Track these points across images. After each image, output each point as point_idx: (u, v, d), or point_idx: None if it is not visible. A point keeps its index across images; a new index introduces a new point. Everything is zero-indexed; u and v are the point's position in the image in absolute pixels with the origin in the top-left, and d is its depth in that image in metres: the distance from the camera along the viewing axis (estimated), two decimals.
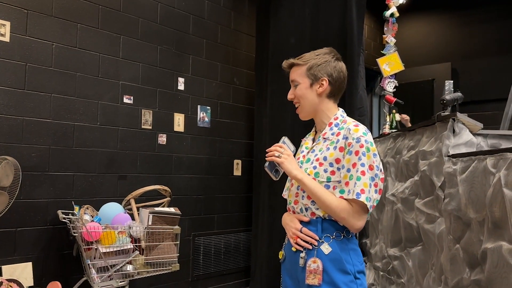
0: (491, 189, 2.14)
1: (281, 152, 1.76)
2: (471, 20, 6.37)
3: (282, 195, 2.03)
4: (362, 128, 1.73)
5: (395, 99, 4.43)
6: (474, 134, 2.79)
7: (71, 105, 3.47)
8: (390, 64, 4.46)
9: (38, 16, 3.31)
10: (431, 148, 2.96)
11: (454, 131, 2.74)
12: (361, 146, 1.67)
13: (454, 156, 2.64)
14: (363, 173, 1.65)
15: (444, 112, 2.94)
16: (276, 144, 1.81)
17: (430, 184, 2.94)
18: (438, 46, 6.64)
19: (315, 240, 1.72)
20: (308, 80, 1.80)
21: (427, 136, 3.11)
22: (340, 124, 1.80)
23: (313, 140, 1.89)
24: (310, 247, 1.72)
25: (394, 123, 4.41)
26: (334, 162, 1.72)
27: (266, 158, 1.77)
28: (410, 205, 3.30)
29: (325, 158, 1.74)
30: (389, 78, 4.47)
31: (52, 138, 3.36)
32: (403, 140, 3.64)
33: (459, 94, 3.14)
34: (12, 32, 3.18)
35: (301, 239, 1.75)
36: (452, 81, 3.54)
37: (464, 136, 2.74)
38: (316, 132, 1.92)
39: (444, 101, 3.08)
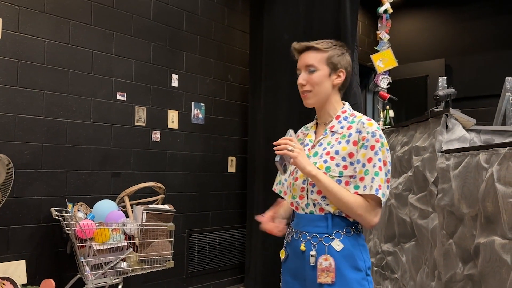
0: (484, 184, 2.15)
1: (293, 146, 1.63)
2: (464, 16, 6.39)
3: (273, 189, 1.95)
4: (375, 122, 1.68)
5: (389, 96, 4.44)
6: (467, 130, 2.80)
7: (64, 102, 3.45)
8: (384, 60, 4.46)
9: (30, 12, 3.28)
10: (425, 143, 2.97)
11: (447, 126, 2.75)
12: (377, 141, 1.62)
13: (447, 151, 2.65)
14: (380, 168, 1.60)
15: (437, 108, 2.95)
16: (285, 137, 1.67)
17: (423, 180, 2.95)
18: (431, 43, 6.66)
19: (323, 235, 1.65)
20: (328, 69, 1.72)
21: (421, 132, 3.12)
22: (349, 118, 1.73)
23: (315, 133, 1.81)
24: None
25: (388, 119, 4.42)
26: (347, 156, 1.65)
27: (276, 152, 1.63)
28: (403, 201, 3.31)
29: (337, 152, 1.66)
30: (383, 74, 4.48)
31: (45, 136, 3.34)
32: (396, 136, 3.65)
33: (452, 90, 3.15)
34: (3, 28, 3.15)
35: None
36: (445, 77, 3.55)
37: (457, 131, 2.75)
38: (317, 124, 1.83)
39: (437, 97, 3.09)
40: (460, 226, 2.45)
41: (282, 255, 1.81)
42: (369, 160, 1.61)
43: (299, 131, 1.93)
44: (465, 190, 2.37)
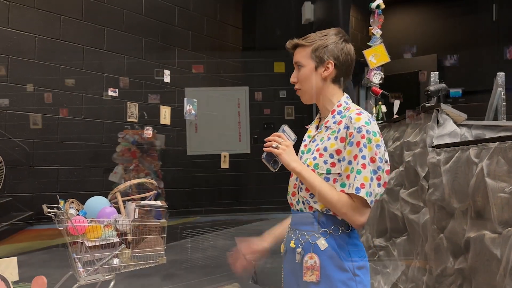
0: (474, 179, 2.16)
1: (279, 142, 1.62)
2: (457, 12, 6.41)
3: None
4: (365, 116, 1.60)
5: (381, 91, 4.44)
6: (459, 125, 2.82)
7: (54, 98, 3.43)
8: (376, 55, 4.46)
9: (20, 8, 3.25)
10: (416, 139, 2.98)
11: (438, 122, 2.76)
12: (362, 137, 1.56)
13: (438, 146, 2.67)
14: (363, 166, 1.55)
15: (428, 103, 2.96)
16: (275, 133, 1.66)
17: (414, 175, 2.96)
18: (424, 38, 6.67)
19: (315, 233, 1.63)
20: (313, 63, 1.67)
21: (412, 127, 3.13)
22: (343, 112, 1.67)
23: (317, 128, 1.75)
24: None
25: (380, 115, 4.43)
26: (334, 153, 1.61)
27: (263, 149, 1.63)
28: (395, 196, 3.32)
29: (325, 149, 1.63)
30: (375, 69, 4.47)
31: (35, 132, 3.31)
32: (388, 131, 3.66)
33: (443, 85, 3.16)
34: None
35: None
36: (437, 72, 3.56)
37: (448, 126, 2.76)
38: (320, 119, 1.78)
39: (428, 92, 3.10)
40: (451, 221, 2.46)
41: (282, 249, 1.80)
42: (355, 157, 1.56)
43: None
44: (455, 184, 2.38)
